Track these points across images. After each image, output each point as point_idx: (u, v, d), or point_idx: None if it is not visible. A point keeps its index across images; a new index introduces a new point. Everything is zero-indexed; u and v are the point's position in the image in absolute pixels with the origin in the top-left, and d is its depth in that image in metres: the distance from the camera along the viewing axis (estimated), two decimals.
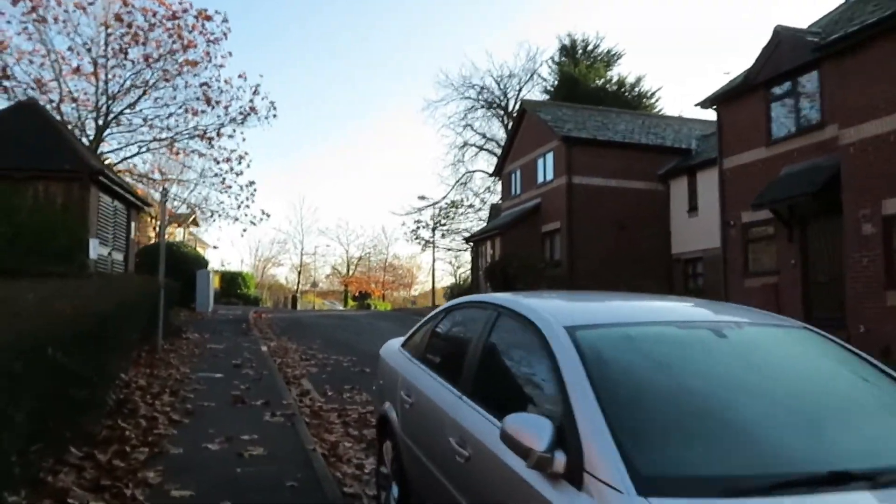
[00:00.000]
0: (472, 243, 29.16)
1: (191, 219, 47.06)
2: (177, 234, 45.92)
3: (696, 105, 18.91)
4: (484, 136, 39.42)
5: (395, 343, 5.24)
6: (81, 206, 14.77)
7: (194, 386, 8.59)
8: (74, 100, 20.41)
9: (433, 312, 4.72)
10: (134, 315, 8.85)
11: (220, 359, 11.21)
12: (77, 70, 19.97)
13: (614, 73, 34.63)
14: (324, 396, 9.03)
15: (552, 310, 3.10)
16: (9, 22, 21.13)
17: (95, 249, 15.22)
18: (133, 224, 18.63)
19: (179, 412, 7.02)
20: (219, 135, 22.71)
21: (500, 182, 30.23)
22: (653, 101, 33.70)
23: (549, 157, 24.87)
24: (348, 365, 11.72)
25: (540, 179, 25.63)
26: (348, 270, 69.33)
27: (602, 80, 33.62)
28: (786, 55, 15.74)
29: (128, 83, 21.64)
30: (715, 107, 18.30)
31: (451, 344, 4.17)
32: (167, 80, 20.76)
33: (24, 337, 3.67)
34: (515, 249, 24.62)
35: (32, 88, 19.52)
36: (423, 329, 4.67)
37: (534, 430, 2.25)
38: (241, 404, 7.72)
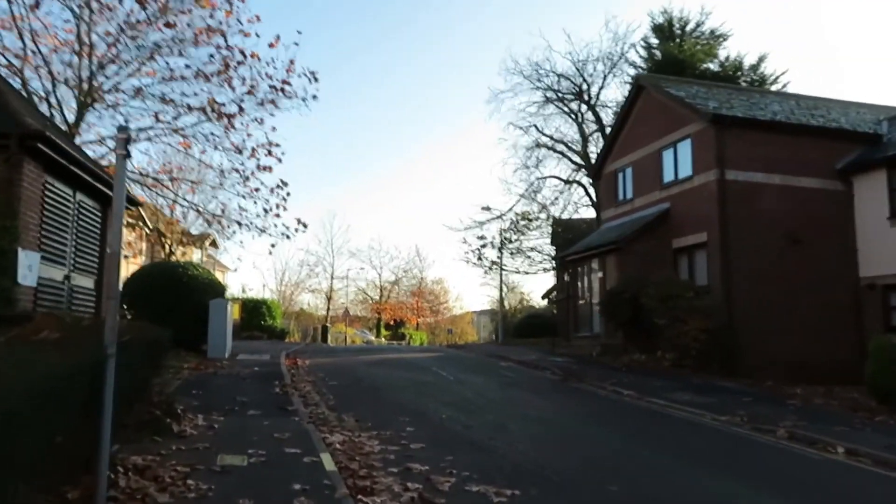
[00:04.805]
0: (563, 263, 22.61)
1: (209, 240, 41.10)
2: (193, 256, 39.98)
3: None
4: (552, 137, 33.07)
5: None
6: (5, 193, 8.56)
7: None
8: (37, 53, 14.40)
9: None
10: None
11: None
12: (36, 6, 13.90)
13: (725, 54, 28.24)
14: None
15: None
16: None
17: (34, 270, 8.98)
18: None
19: None
20: (241, 111, 16.53)
21: (600, 186, 23.83)
22: (779, 87, 27.21)
23: (685, 145, 18.41)
24: None
25: (668, 177, 19.16)
26: (381, 296, 62.89)
27: (715, 62, 27.25)
28: None
29: (120, 44, 15.64)
30: None
31: None
32: (167, 26, 14.58)
33: None
34: (637, 271, 18.11)
35: None
36: None
37: None
38: None
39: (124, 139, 5.00)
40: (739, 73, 27.32)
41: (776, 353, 16.42)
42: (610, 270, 19.33)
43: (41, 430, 3.48)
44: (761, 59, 27.70)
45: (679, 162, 18.64)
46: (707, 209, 17.36)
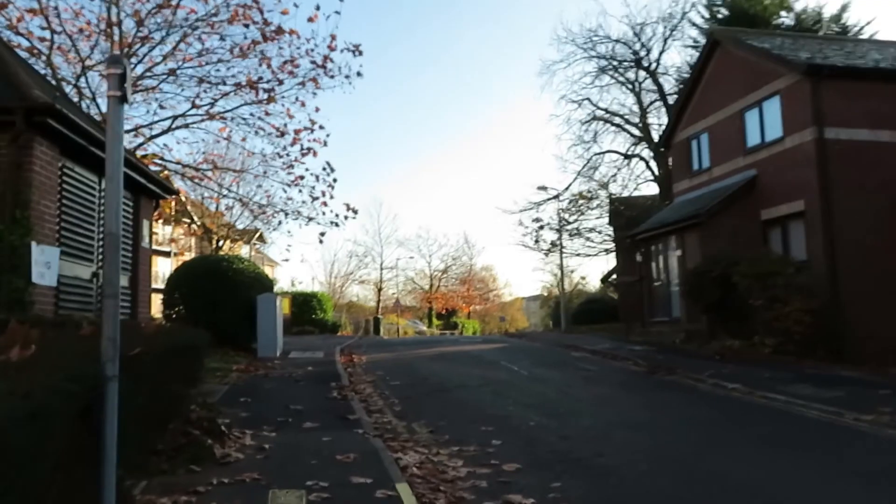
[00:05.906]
0: (633, 242, 20.78)
1: (256, 235, 40.32)
2: (241, 252, 39.31)
3: None
4: (607, 110, 31.08)
5: None
6: (14, 179, 7.36)
7: None
8: (64, 32, 13.35)
9: None
10: None
11: None
12: None
13: (800, 6, 25.78)
14: None
15: None
16: None
17: (53, 267, 7.78)
18: (146, 223, 11.20)
19: None
20: (280, 83, 15.27)
21: (670, 157, 21.89)
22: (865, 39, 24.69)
23: (773, 103, 16.37)
24: None
25: (753, 141, 17.16)
26: (431, 286, 61.55)
27: (790, 15, 24.89)
28: None
29: (150, 23, 14.51)
30: None
31: None
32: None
33: None
34: (723, 247, 16.24)
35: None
36: None
37: None
38: None
39: (118, 75, 3.60)
40: (818, 25, 24.87)
41: (889, 335, 14.40)
42: (690, 248, 17.47)
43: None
44: (844, 8, 25.20)
45: (766, 123, 16.61)
46: (803, 174, 15.35)
